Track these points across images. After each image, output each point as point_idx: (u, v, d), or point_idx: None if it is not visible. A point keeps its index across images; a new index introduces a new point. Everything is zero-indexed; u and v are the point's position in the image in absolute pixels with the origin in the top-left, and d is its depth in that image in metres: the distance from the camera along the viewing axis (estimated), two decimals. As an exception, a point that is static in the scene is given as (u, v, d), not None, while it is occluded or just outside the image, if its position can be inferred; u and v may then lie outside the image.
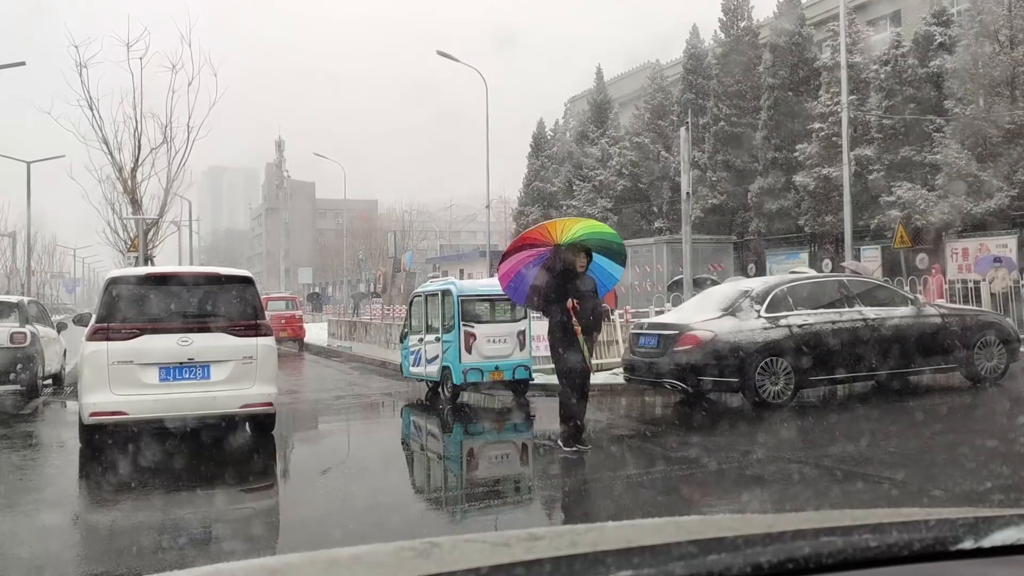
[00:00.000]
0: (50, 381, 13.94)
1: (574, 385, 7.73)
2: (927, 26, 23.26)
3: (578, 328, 7.50)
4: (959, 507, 2.69)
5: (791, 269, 13.62)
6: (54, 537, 5.41)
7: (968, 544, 1.06)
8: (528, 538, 1.12)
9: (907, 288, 12.99)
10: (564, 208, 35.86)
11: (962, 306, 13.52)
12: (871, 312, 10.12)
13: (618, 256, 8.38)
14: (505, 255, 8.30)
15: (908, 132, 22.46)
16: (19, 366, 11.93)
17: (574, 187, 35.37)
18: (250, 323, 8.05)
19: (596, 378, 13.22)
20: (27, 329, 12.33)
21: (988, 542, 1.06)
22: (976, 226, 20.54)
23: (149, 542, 5.23)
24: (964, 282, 17.39)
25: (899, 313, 10.26)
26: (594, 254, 7.95)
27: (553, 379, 13.42)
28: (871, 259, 22.10)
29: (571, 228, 7.95)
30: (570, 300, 7.48)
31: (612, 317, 15.65)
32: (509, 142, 56.42)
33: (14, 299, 13.83)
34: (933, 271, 18.38)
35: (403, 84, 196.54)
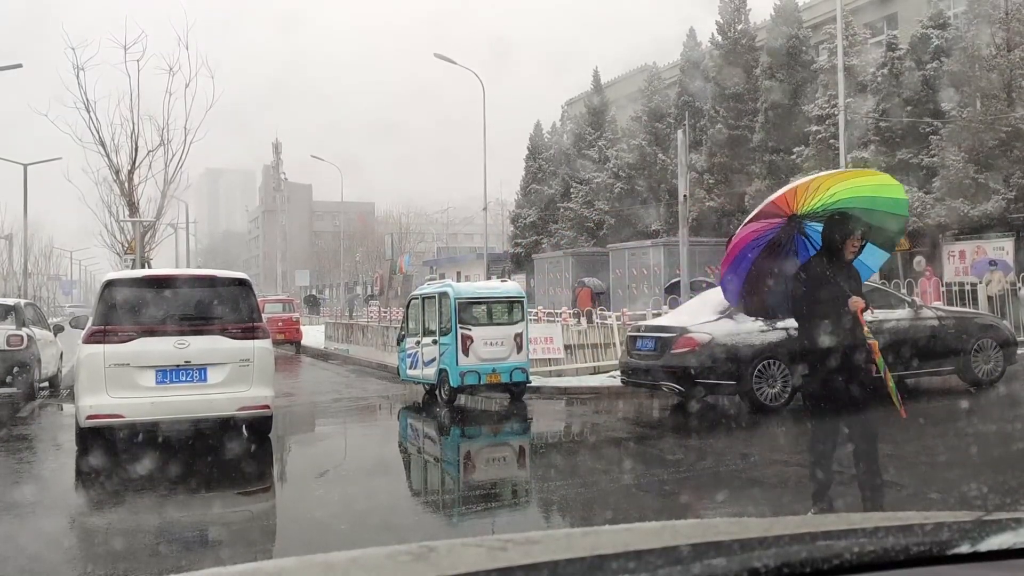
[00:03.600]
0: (47, 384, 13.91)
1: (833, 430, 5.19)
2: (924, 29, 23.32)
3: (874, 343, 4.95)
4: (956, 511, 2.68)
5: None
6: (50, 540, 5.39)
7: (964, 548, 1.06)
8: (525, 542, 1.12)
9: (904, 291, 13.00)
10: (561, 211, 35.87)
11: (959, 309, 13.53)
12: (868, 315, 10.11)
13: (887, 235, 5.47)
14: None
15: (905, 135, 22.50)
16: (15, 369, 11.90)
17: (571, 190, 35.38)
18: (247, 326, 8.04)
19: (592, 380, 13.25)
20: (23, 332, 12.29)
21: (984, 546, 1.06)
22: (973, 229, 20.58)
23: (145, 545, 5.22)
24: (961, 285, 17.40)
25: (896, 315, 10.27)
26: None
27: (550, 381, 13.47)
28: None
29: (827, 189, 5.05)
30: (855, 300, 4.87)
31: (608, 320, 15.66)
32: (506, 145, 56.42)
33: (11, 302, 13.80)
34: (927, 273, 18.41)
35: (400, 88, 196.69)
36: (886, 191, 5.28)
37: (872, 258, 5.44)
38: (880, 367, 4.93)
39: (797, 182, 5.34)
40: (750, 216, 5.25)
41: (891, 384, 4.92)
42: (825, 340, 4.91)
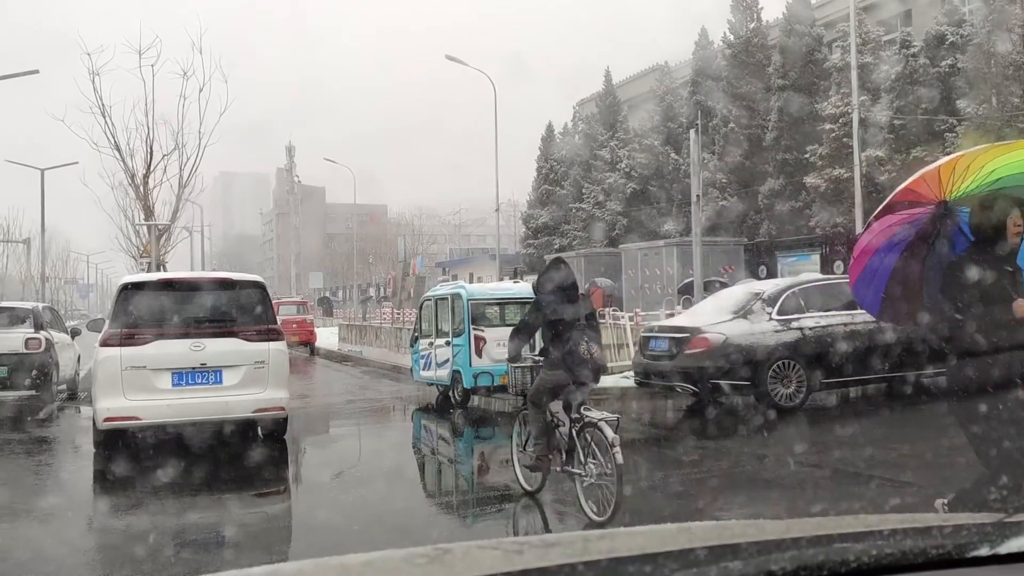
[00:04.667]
0: (64, 386, 14.03)
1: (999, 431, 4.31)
2: (938, 26, 23.16)
3: None
4: (974, 513, 2.66)
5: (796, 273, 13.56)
6: (68, 542, 5.44)
7: (984, 551, 1.05)
8: (541, 544, 1.12)
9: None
10: (574, 211, 35.82)
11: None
12: None
13: None
14: (868, 225, 4.65)
15: (920, 132, 22.35)
16: (34, 372, 12.00)
17: (583, 191, 35.34)
18: (262, 328, 8.08)
19: (606, 381, 13.18)
20: (42, 335, 12.40)
21: (1004, 549, 1.05)
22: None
23: (162, 547, 5.25)
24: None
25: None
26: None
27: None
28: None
29: (981, 167, 4.22)
30: (1020, 303, 3.98)
31: (621, 320, 15.61)
32: (518, 147, 56.51)
33: (28, 305, 13.92)
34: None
35: (413, 92, 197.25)
36: None
37: None
38: None
39: (939, 162, 4.42)
40: (880, 209, 4.46)
41: None
42: (983, 348, 4.05)
